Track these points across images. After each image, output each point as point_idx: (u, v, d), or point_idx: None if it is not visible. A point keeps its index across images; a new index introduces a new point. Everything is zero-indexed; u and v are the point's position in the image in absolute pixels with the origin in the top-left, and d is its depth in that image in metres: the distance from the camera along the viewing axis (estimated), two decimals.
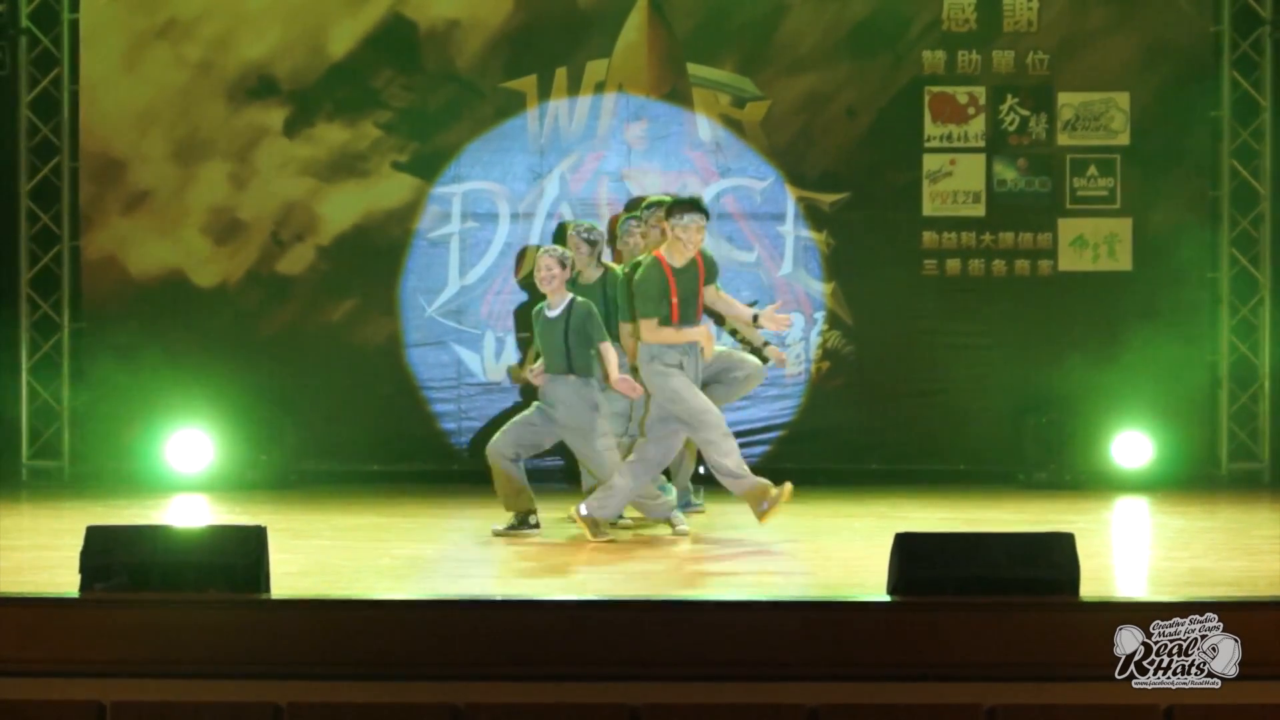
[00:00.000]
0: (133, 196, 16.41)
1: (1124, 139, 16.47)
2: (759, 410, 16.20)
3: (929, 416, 16.14)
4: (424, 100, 16.52)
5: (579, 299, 12.37)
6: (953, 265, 16.41)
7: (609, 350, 12.27)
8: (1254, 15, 16.50)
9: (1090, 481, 15.49)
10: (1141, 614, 8.88)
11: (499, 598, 9.62)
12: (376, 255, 16.42)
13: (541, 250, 12.52)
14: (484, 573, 10.98)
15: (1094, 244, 16.33)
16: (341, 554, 11.88)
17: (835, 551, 12.14)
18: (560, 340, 12.28)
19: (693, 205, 12.19)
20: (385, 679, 8.55)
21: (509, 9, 16.47)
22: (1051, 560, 9.01)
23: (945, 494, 14.80)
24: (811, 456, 16.20)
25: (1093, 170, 16.48)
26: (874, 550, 10.69)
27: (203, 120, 16.45)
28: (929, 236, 16.40)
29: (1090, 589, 9.12)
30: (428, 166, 16.51)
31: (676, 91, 16.53)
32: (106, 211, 16.45)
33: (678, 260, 12.08)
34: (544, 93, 16.50)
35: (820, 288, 16.51)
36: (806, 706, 8.43)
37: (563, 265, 12.36)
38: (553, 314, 12.33)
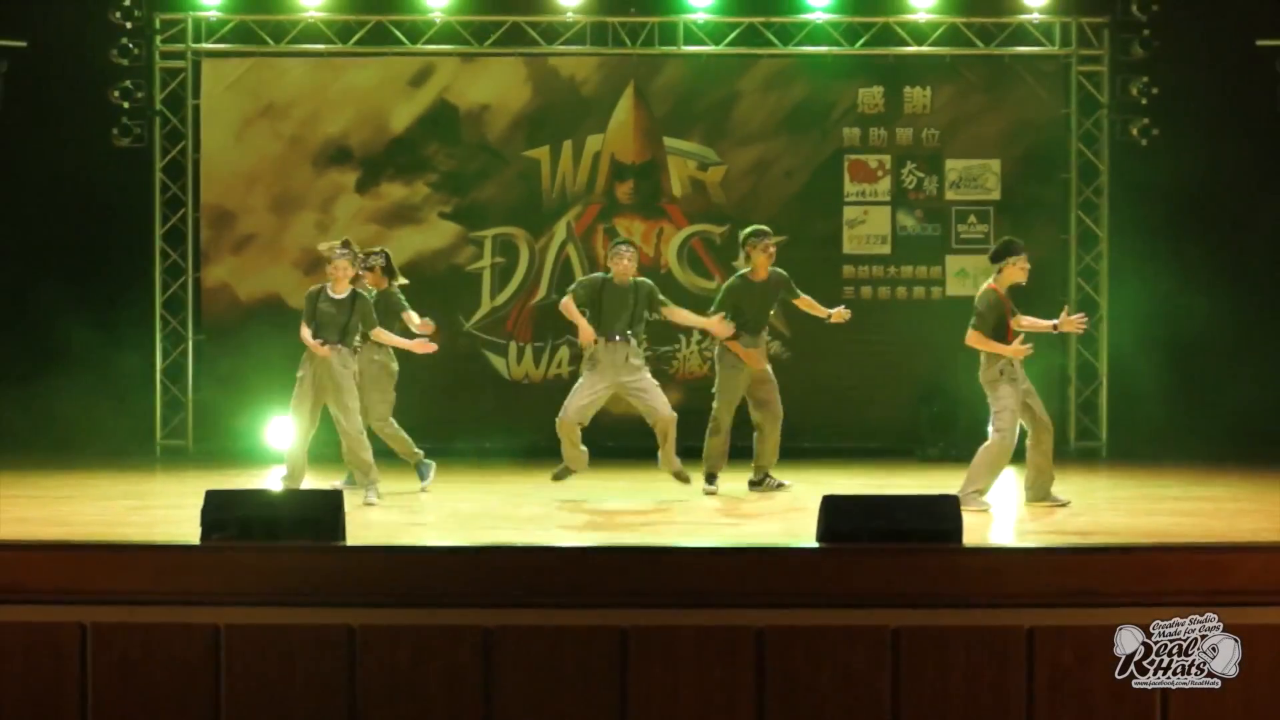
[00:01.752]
0: (241, 239, 16.40)
1: (996, 195, 16.50)
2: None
3: (847, 405, 16.11)
4: (463, 165, 16.52)
5: (360, 290, 12.30)
6: (865, 291, 16.42)
7: (382, 332, 12.40)
8: (1095, 100, 16.57)
9: (972, 456, 15.41)
10: (1022, 559, 8.91)
11: (520, 544, 9.58)
12: (427, 283, 16.33)
13: (333, 249, 12.29)
14: (509, 525, 10.94)
15: (974, 275, 16.29)
16: (401, 511, 11.84)
17: (776, 509, 12.11)
18: (344, 319, 12.13)
19: (1019, 245, 11.91)
20: (433, 606, 8.53)
21: (528, 96, 16.47)
22: (941, 516, 8.99)
23: (860, 465, 14.78)
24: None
25: (972, 219, 16.49)
26: (806, 508, 10.68)
27: (294, 181, 16.45)
28: (848, 269, 16.40)
29: (970, 538, 9.11)
30: (466, 216, 16.51)
31: (655, 158, 16.53)
32: (221, 250, 16.43)
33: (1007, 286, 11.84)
34: (554, 159, 16.50)
35: None
36: (754, 627, 8.42)
37: (352, 263, 12.24)
38: (339, 298, 12.16)
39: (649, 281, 12.70)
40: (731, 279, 13.05)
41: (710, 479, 12.83)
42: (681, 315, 12.91)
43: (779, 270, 13.19)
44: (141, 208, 16.47)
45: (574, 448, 12.53)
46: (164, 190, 16.53)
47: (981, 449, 11.80)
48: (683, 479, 12.53)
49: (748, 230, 13.14)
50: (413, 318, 12.94)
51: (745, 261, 12.92)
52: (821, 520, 9.07)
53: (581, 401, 12.37)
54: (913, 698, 8.38)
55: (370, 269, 13.19)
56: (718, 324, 12.68)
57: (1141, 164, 16.14)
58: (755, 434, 13.07)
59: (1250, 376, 15.76)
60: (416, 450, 13.07)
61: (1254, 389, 15.63)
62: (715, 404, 12.93)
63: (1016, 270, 11.81)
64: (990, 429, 11.84)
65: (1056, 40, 16.53)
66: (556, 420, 12.46)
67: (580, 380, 12.50)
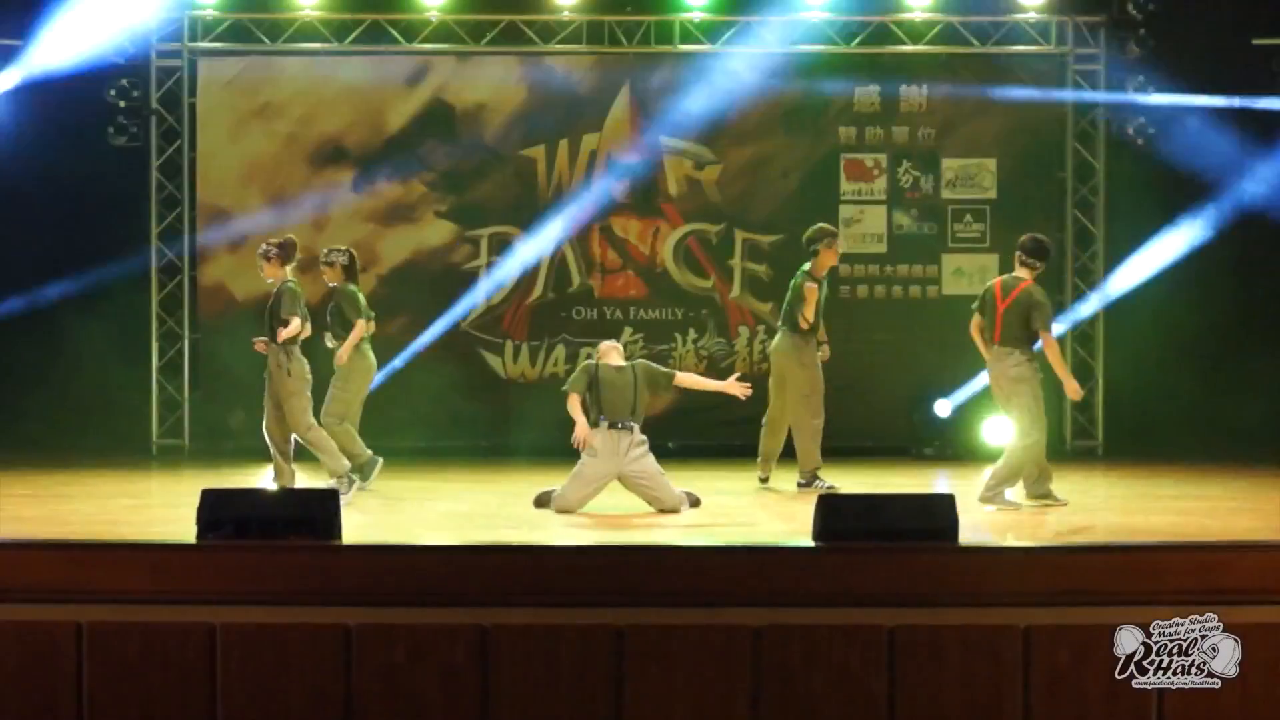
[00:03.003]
0: (237, 238, 16.37)
1: (992, 194, 16.51)
2: (715, 396, 16.26)
3: (844, 405, 16.00)
4: (459, 164, 16.51)
5: (288, 283, 12.18)
6: (862, 290, 16.45)
7: (293, 323, 12.09)
8: (1090, 100, 16.56)
9: (966, 455, 15.48)
10: (1021, 559, 8.92)
11: (517, 544, 9.59)
12: (423, 282, 16.40)
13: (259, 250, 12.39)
14: (505, 524, 10.94)
15: (969, 274, 16.34)
16: (397, 510, 11.85)
17: (774, 508, 12.12)
18: (267, 316, 12.18)
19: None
20: (430, 605, 8.53)
21: (524, 95, 16.48)
22: (936, 515, 9.01)
23: (856, 464, 14.74)
24: (758, 435, 16.20)
25: (968, 218, 16.50)
26: (802, 507, 10.68)
27: (290, 180, 16.44)
28: (844, 268, 16.32)
29: (966, 537, 9.11)
30: (462, 215, 16.51)
31: (651, 157, 16.52)
32: (217, 249, 16.42)
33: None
34: (550, 158, 16.50)
35: (761, 307, 16.50)
36: (751, 626, 8.43)
37: (266, 258, 12.23)
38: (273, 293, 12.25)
39: (643, 361, 12.07)
40: (817, 281, 12.99)
41: (815, 477, 12.90)
42: (693, 381, 12.24)
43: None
44: (138, 207, 16.46)
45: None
46: (160, 189, 16.53)
47: (1016, 448, 11.70)
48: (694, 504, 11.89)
49: (818, 228, 13.17)
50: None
51: (811, 260, 13.08)
52: (818, 519, 9.08)
53: (583, 491, 11.52)
54: (908, 697, 8.40)
55: (330, 264, 13.19)
56: (737, 386, 12.00)
57: (1137, 163, 16.16)
58: (773, 430, 13.19)
59: (1246, 375, 15.78)
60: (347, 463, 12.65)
61: (1250, 388, 15.65)
62: (816, 406, 12.98)
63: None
64: (1015, 430, 11.78)
65: (1053, 39, 16.54)
66: (553, 501, 11.57)
67: (579, 467, 11.56)
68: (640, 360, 12.13)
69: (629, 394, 11.57)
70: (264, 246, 12.40)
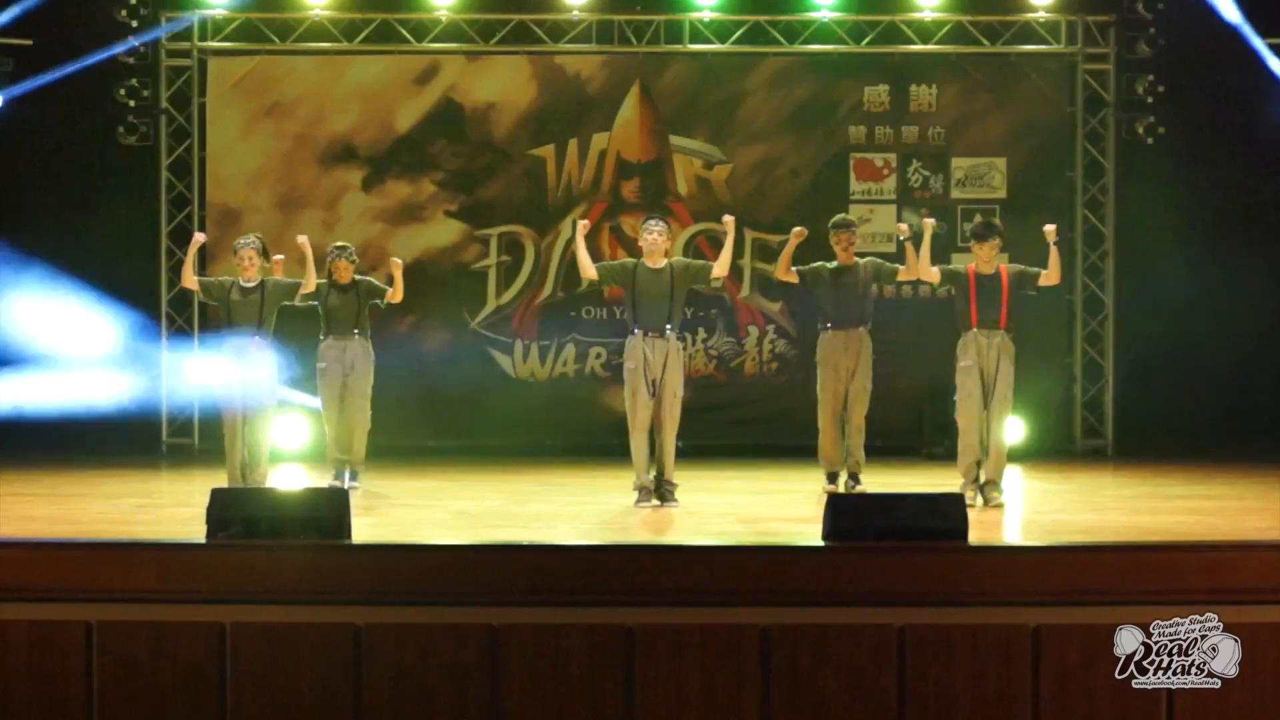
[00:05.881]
0: None
1: (1002, 193, 16.49)
2: (725, 395, 16.25)
3: None
4: (469, 164, 16.51)
5: (268, 280, 12.31)
6: (871, 289, 16.38)
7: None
8: (1100, 99, 16.57)
9: None
10: (1030, 557, 8.91)
11: (526, 543, 9.59)
12: (432, 282, 16.39)
13: (242, 244, 12.47)
14: (515, 523, 10.94)
15: None
16: (406, 509, 11.85)
17: (783, 507, 12.11)
18: (255, 309, 12.28)
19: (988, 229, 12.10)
20: (440, 604, 8.53)
21: (534, 94, 16.47)
22: (946, 514, 8.99)
23: (865, 463, 14.73)
24: (767, 434, 16.22)
25: (978, 217, 16.40)
26: (812, 506, 10.67)
27: (300, 179, 16.45)
28: None
29: (976, 536, 9.11)
30: (472, 214, 16.51)
31: (661, 156, 16.52)
32: (227, 248, 16.31)
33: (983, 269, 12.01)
34: (560, 158, 16.49)
35: (771, 306, 16.50)
36: (760, 625, 8.43)
37: (260, 253, 12.37)
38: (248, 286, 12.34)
39: (681, 258, 12.05)
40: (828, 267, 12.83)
41: (830, 478, 12.79)
42: (725, 256, 12.03)
43: (872, 258, 13.11)
44: (147, 206, 16.47)
45: (642, 463, 11.66)
46: (170, 188, 16.55)
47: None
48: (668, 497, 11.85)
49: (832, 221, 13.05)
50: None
51: None
52: (827, 519, 9.07)
53: (641, 412, 11.59)
54: (918, 695, 8.39)
55: (352, 261, 13.19)
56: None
57: (1147, 162, 16.14)
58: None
59: (1257, 374, 15.75)
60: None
61: (1260, 387, 15.61)
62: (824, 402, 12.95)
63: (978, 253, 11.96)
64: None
65: (1062, 38, 16.52)
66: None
67: (626, 387, 11.75)
68: (679, 259, 11.96)
69: (666, 296, 11.62)
70: (256, 241, 12.42)
